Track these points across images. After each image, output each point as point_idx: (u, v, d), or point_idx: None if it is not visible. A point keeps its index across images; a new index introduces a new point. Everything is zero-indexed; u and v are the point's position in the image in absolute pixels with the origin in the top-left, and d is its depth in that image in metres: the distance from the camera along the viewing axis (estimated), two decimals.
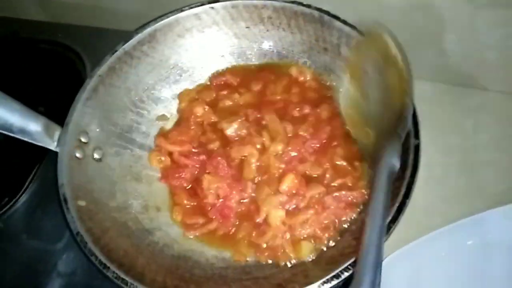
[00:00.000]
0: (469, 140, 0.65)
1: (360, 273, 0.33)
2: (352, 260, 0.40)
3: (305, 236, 0.49)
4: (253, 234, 0.50)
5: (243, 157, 0.54)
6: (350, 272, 0.39)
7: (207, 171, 0.54)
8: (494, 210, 0.57)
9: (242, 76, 0.62)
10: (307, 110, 0.57)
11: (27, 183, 0.60)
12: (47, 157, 0.62)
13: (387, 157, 0.40)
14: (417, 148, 0.44)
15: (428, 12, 0.62)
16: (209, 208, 0.52)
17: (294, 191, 0.51)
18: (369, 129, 0.49)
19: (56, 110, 0.55)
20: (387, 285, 0.50)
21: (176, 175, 0.56)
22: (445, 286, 0.57)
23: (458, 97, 0.69)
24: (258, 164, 0.53)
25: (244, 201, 0.52)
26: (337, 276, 0.40)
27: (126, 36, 0.57)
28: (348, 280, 0.40)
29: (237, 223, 0.51)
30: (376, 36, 0.51)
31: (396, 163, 0.40)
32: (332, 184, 0.51)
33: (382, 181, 0.38)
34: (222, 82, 0.62)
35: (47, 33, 0.75)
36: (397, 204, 0.41)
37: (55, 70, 0.72)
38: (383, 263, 0.49)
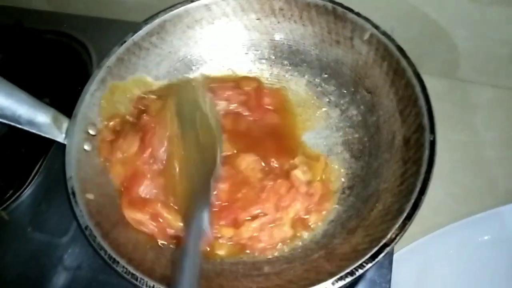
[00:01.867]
0: (478, 137, 0.65)
1: None
2: (367, 257, 0.39)
3: None
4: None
5: None
6: (365, 269, 0.39)
7: None
8: (503, 208, 0.57)
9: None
10: None
11: (32, 175, 0.59)
12: (52, 149, 0.61)
13: (197, 223, 0.42)
14: (432, 144, 0.43)
15: (439, 6, 0.61)
16: None
17: None
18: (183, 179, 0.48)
19: (61, 101, 0.55)
20: (397, 280, 0.50)
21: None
22: (453, 282, 0.57)
23: (468, 93, 0.69)
24: None
25: None
26: (351, 273, 0.39)
27: (132, 27, 0.56)
28: (360, 277, 0.40)
29: None
30: (187, 90, 0.54)
31: (206, 228, 0.42)
32: None
33: (191, 245, 0.40)
34: None
35: (52, 23, 0.74)
36: (412, 201, 0.41)
37: (60, 61, 0.71)
38: (393, 257, 0.50)
